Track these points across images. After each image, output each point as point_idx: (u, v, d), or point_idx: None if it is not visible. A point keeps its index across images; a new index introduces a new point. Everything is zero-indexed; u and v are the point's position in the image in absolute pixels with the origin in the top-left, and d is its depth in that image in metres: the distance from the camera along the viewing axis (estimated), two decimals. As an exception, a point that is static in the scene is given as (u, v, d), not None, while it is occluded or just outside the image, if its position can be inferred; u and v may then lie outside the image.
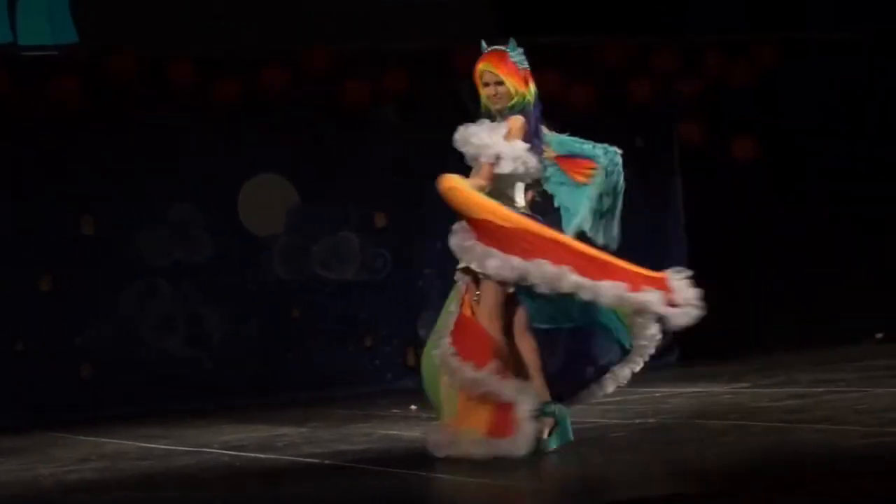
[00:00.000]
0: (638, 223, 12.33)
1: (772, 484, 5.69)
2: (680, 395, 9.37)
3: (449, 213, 12.17)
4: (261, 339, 11.32)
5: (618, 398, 9.36)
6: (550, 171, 7.16)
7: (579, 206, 7.14)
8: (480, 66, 7.04)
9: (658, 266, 12.53)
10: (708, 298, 12.46)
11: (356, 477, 6.81)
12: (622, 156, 7.35)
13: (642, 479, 6.20)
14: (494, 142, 6.86)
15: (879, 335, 11.72)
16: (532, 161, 6.91)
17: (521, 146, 6.89)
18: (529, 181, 7.02)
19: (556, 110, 11.93)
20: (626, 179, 7.25)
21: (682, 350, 12.28)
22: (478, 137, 6.90)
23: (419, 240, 11.84)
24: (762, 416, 7.72)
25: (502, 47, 7.05)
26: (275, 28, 11.47)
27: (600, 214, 7.25)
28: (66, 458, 8.40)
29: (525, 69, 7.06)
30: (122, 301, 11.02)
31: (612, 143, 12.15)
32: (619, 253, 12.52)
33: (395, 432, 8.50)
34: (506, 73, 6.99)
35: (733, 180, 12.31)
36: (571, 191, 7.19)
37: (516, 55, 7.06)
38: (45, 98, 10.86)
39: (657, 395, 9.46)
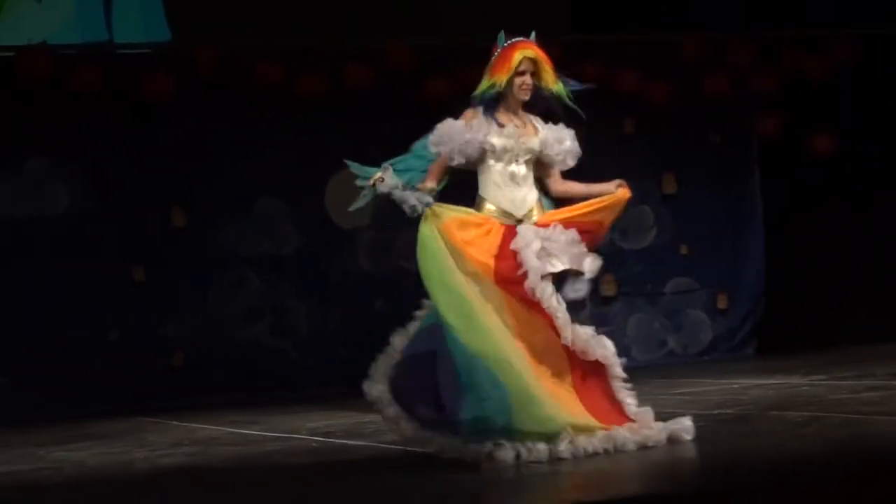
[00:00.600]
0: (717, 216, 12.34)
1: (849, 475, 5.69)
2: (757, 386, 9.33)
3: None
4: (345, 330, 11.37)
5: (696, 389, 9.40)
6: None
7: None
8: (519, 53, 6.81)
9: (737, 259, 12.58)
10: (785, 291, 12.51)
11: (437, 465, 6.83)
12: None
13: (723, 469, 6.21)
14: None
15: None
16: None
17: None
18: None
19: (634, 105, 12.03)
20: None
21: (760, 343, 12.26)
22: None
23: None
24: (840, 408, 7.66)
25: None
26: (357, 23, 11.53)
27: None
28: (160, 442, 8.50)
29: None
30: (212, 292, 11.13)
31: (689, 137, 12.24)
32: (700, 246, 12.52)
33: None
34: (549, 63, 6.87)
35: (812, 175, 12.21)
36: None
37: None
38: (138, 94, 10.97)
39: (735, 386, 9.44)
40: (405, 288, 11.66)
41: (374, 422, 8.20)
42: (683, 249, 12.22)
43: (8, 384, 10.77)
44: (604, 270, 12.00)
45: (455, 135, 6.80)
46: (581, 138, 7.16)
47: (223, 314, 11.18)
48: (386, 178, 6.78)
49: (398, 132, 11.58)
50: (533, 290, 6.56)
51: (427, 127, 11.78)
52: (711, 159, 12.34)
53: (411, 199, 6.72)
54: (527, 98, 6.83)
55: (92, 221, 11.00)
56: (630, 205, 12.28)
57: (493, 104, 6.84)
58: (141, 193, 10.95)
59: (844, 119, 12.16)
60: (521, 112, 6.88)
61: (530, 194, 6.82)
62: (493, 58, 6.92)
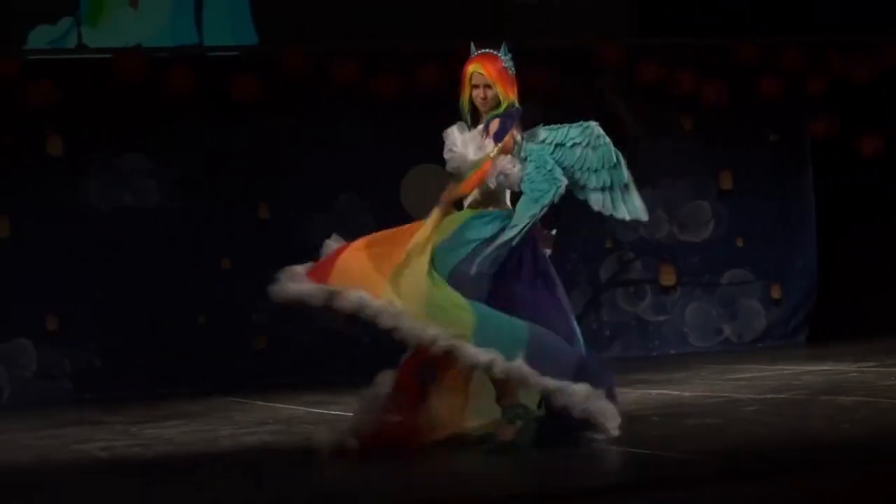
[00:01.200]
0: (771, 211, 12.30)
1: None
2: (809, 372, 9.28)
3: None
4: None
5: (750, 375, 9.36)
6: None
7: (519, 219, 6.56)
8: (471, 67, 6.63)
9: (790, 252, 12.55)
10: (835, 283, 12.44)
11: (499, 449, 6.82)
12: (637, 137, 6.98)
13: (776, 449, 6.19)
14: (479, 159, 6.54)
15: None
16: (515, 171, 6.57)
17: (505, 161, 6.56)
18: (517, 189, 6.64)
19: (690, 106, 11.99)
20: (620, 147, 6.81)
21: (811, 331, 12.20)
22: (461, 153, 6.58)
23: (563, 227, 11.85)
24: (889, 394, 7.63)
25: (494, 51, 6.74)
26: (429, 26, 11.54)
27: (608, 189, 6.76)
28: (245, 421, 8.54)
29: (513, 75, 6.71)
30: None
31: (745, 137, 12.19)
32: (754, 239, 12.52)
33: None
34: (496, 77, 6.63)
35: (862, 173, 12.16)
36: (523, 202, 6.64)
37: (507, 60, 6.73)
38: (227, 94, 11.03)
39: (787, 372, 9.40)
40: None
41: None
42: (739, 242, 12.19)
43: (105, 366, 10.89)
44: (664, 261, 12.13)
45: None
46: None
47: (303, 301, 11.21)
48: None
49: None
50: None
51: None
52: (766, 158, 12.30)
53: None
54: (485, 109, 6.69)
55: (182, 214, 11.09)
56: (688, 200, 12.40)
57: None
58: (228, 188, 11.02)
59: (892, 120, 12.08)
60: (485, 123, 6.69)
61: None
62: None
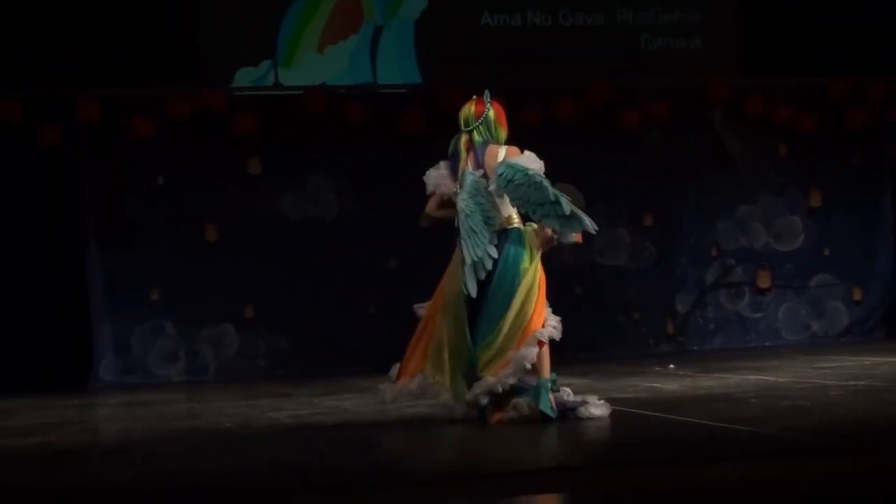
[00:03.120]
0: (853, 224, 12.06)
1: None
2: (886, 363, 9.11)
3: (700, 214, 12.12)
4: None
5: (835, 364, 9.20)
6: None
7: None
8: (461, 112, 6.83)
9: (870, 260, 12.28)
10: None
11: (626, 419, 6.82)
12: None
13: (858, 430, 6.09)
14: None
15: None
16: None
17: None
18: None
19: (788, 133, 11.82)
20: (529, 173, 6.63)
21: (888, 328, 11.96)
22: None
23: (677, 236, 11.78)
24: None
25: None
26: (563, 64, 11.51)
27: (553, 217, 6.56)
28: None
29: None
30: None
31: (833, 161, 11.97)
32: (839, 249, 12.26)
33: (657, 385, 8.49)
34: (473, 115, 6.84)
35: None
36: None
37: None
38: (396, 125, 11.13)
39: (867, 363, 9.22)
40: (599, 278, 11.69)
41: (572, 384, 8.20)
42: (826, 252, 11.99)
43: (293, 348, 11.03)
44: (761, 267, 11.98)
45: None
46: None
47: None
48: None
49: (595, 156, 11.61)
50: None
51: (621, 152, 11.78)
52: (850, 178, 12.08)
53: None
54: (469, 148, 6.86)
55: (357, 222, 11.20)
56: (783, 214, 12.20)
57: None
58: (395, 203, 11.08)
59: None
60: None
61: None
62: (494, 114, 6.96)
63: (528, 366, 6.58)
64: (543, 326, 6.65)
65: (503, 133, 6.95)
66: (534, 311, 6.62)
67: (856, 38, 11.85)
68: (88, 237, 10.77)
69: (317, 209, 11.20)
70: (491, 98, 6.92)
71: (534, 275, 6.66)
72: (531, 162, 6.72)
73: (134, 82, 10.77)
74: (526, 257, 6.69)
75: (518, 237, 6.73)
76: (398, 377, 6.94)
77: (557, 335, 6.66)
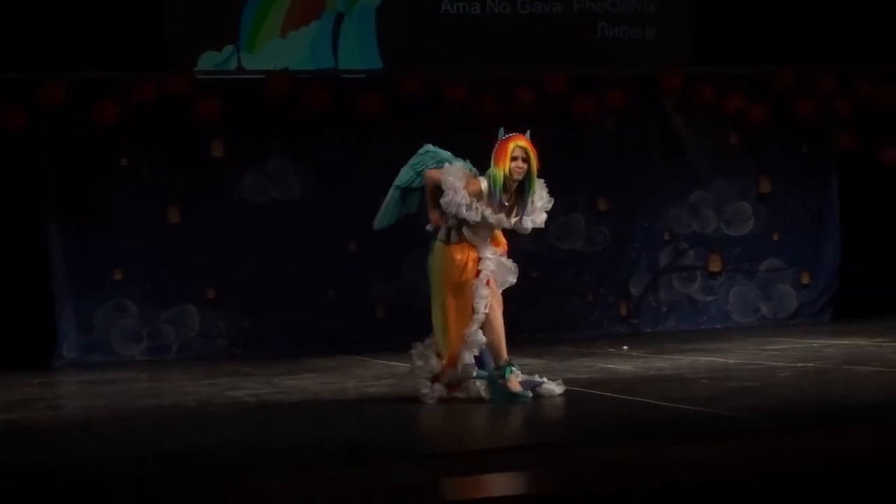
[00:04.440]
0: (802, 210, 12.14)
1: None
2: (832, 346, 9.17)
3: (654, 200, 12.14)
4: (508, 295, 11.35)
5: (783, 346, 9.27)
6: None
7: None
8: (516, 142, 6.94)
9: (817, 245, 12.38)
10: (856, 271, 12.31)
11: (582, 399, 6.84)
12: None
13: (805, 409, 6.14)
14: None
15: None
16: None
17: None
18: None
19: (738, 123, 11.87)
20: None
21: (835, 312, 12.05)
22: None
23: (631, 221, 11.81)
24: (898, 365, 7.56)
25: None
26: (521, 52, 11.48)
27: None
28: (365, 375, 8.60)
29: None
30: (406, 264, 11.15)
31: (782, 150, 12.04)
32: (788, 234, 12.34)
33: (610, 366, 8.52)
34: (533, 155, 6.92)
35: (880, 179, 12.00)
36: None
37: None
38: (356, 110, 11.08)
39: (814, 345, 9.30)
40: (555, 262, 11.68)
41: (528, 364, 8.22)
42: (775, 237, 12.05)
43: (253, 328, 10.97)
44: (712, 251, 12.04)
45: (458, 200, 7.05)
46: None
47: (415, 280, 11.21)
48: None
49: (550, 143, 11.59)
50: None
51: (577, 139, 11.75)
52: (799, 166, 12.15)
53: None
54: (520, 178, 6.95)
55: (318, 205, 11.14)
56: (733, 200, 12.26)
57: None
58: (355, 186, 11.02)
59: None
60: (512, 190, 7.00)
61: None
62: (494, 148, 7.04)
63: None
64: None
65: (492, 168, 7.05)
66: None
67: (805, 29, 11.91)
68: (51, 218, 10.66)
69: (278, 192, 11.13)
70: (505, 134, 7.11)
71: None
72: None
73: (98, 66, 10.67)
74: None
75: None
76: (445, 367, 7.02)
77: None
